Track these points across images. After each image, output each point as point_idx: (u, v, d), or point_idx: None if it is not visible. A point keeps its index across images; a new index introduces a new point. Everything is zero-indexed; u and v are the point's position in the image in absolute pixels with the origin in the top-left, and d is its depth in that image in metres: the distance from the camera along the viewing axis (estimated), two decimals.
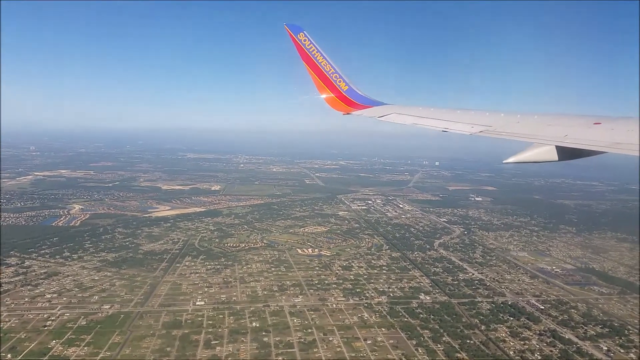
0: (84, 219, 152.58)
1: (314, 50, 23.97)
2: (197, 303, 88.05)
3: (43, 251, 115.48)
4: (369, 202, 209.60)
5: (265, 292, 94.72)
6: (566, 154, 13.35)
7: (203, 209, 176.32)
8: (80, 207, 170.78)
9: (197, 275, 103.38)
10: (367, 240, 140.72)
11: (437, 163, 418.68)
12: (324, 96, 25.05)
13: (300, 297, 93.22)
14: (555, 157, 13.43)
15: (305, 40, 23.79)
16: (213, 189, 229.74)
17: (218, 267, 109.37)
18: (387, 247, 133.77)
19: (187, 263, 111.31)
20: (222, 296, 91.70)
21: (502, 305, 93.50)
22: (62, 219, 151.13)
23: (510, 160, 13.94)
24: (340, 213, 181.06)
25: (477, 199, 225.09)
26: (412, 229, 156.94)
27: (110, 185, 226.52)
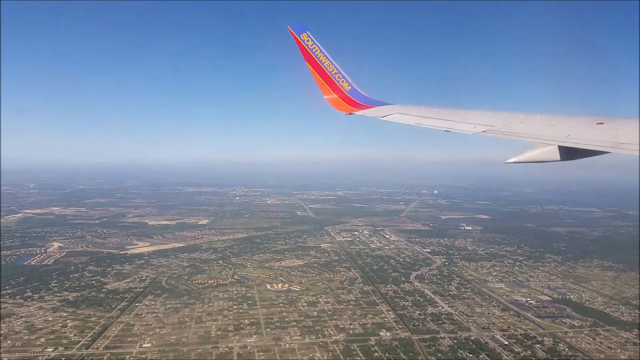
0: (58, 257, 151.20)
1: (317, 50, 23.92)
2: (144, 345, 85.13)
3: (5, 292, 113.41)
4: (356, 233, 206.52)
5: (219, 332, 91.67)
6: (569, 154, 13.42)
7: (183, 245, 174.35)
8: (59, 245, 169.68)
9: (154, 315, 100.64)
10: (342, 273, 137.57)
11: (435, 191, 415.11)
12: (327, 97, 25.02)
13: (255, 336, 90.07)
14: (558, 157, 13.47)
15: (308, 41, 23.74)
16: (200, 223, 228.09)
17: (178, 305, 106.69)
18: (361, 280, 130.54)
19: (147, 302, 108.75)
20: (172, 337, 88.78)
21: (464, 341, 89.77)
22: (36, 257, 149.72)
23: (512, 160, 14.06)
24: (322, 245, 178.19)
25: (467, 228, 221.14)
26: (392, 261, 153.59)
27: (97, 221, 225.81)
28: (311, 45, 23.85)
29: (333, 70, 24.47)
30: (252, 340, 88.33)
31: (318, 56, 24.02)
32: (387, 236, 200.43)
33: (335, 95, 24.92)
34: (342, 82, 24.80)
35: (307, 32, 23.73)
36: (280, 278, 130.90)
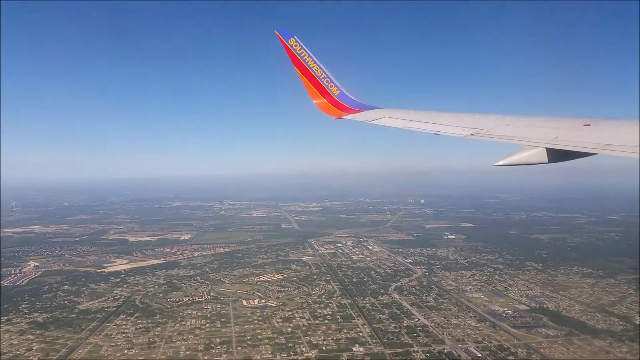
0: (33, 277, 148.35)
1: (305, 55, 23.91)
2: None
3: None
4: (339, 245, 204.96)
5: (189, 352, 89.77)
6: (556, 156, 13.54)
7: (162, 261, 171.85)
8: (36, 264, 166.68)
9: (123, 335, 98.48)
10: (321, 286, 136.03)
11: (422, 200, 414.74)
12: (316, 102, 25.06)
13: (224, 356, 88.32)
14: (546, 159, 13.57)
15: (296, 46, 23.74)
16: (182, 238, 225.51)
17: (150, 325, 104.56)
18: (340, 293, 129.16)
19: (118, 322, 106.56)
20: (139, 358, 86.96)
21: (437, 354, 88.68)
22: (10, 278, 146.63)
23: (501, 163, 14.17)
24: (304, 258, 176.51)
25: (450, 237, 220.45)
26: (373, 272, 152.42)
27: (77, 239, 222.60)
28: (299, 50, 23.79)
29: (321, 74, 24.49)
30: (222, 359, 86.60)
31: (306, 61, 23.98)
32: (370, 247, 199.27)
33: (324, 100, 24.98)
34: (331, 86, 24.87)
35: (295, 37, 23.69)
36: (258, 293, 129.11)
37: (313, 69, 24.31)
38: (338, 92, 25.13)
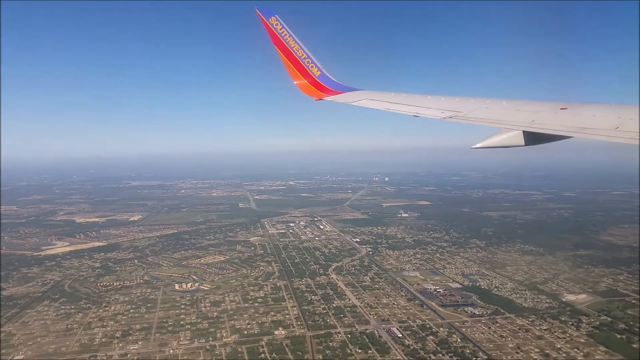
0: None
1: (286, 34, 23.43)
2: (16, 357, 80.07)
3: None
4: (292, 224, 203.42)
5: (104, 340, 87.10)
6: (533, 138, 13.72)
7: (104, 243, 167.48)
8: None
9: (41, 322, 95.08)
10: (261, 268, 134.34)
11: (386, 179, 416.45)
12: (296, 82, 24.87)
13: (140, 343, 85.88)
14: (522, 142, 13.73)
15: (277, 25, 23.23)
16: (131, 219, 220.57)
17: (72, 311, 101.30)
18: (278, 275, 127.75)
19: (39, 308, 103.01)
20: (51, 347, 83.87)
21: (358, 335, 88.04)
22: None
23: (478, 145, 14.27)
24: (252, 239, 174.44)
25: (403, 215, 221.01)
26: (317, 253, 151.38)
27: (24, 221, 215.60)
28: (280, 29, 23.27)
29: (302, 55, 24.17)
30: (136, 347, 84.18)
31: (287, 40, 23.47)
32: (322, 227, 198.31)
33: (305, 81, 24.78)
34: (312, 67, 24.65)
35: (276, 16, 23.09)
36: (193, 277, 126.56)
37: (294, 49, 23.82)
38: (319, 73, 24.91)
